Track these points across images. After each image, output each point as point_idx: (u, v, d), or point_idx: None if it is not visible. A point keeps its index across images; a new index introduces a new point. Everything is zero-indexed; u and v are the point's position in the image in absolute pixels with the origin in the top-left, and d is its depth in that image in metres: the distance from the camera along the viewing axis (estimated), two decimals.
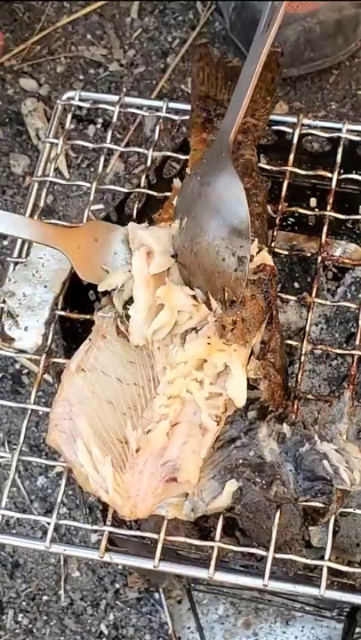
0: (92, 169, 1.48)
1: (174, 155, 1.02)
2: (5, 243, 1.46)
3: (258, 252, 0.89)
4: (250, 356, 0.86)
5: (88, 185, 1.01)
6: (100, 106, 1.06)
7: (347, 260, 0.99)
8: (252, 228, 0.92)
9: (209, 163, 0.90)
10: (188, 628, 1.26)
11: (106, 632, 1.28)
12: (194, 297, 0.87)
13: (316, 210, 1.03)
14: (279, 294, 0.95)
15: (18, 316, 0.93)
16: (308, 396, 0.90)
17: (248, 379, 0.84)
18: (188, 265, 0.89)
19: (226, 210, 0.87)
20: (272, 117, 1.01)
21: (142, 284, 0.88)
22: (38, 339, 0.92)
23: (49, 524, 0.87)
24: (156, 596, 1.28)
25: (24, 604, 1.30)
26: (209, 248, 0.87)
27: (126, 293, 0.90)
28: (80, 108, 1.35)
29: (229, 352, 0.83)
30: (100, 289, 0.92)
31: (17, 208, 1.46)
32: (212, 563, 0.84)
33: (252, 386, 0.85)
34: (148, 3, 1.57)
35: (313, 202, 1.09)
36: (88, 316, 0.92)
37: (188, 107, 1.01)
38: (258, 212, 0.93)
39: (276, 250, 0.96)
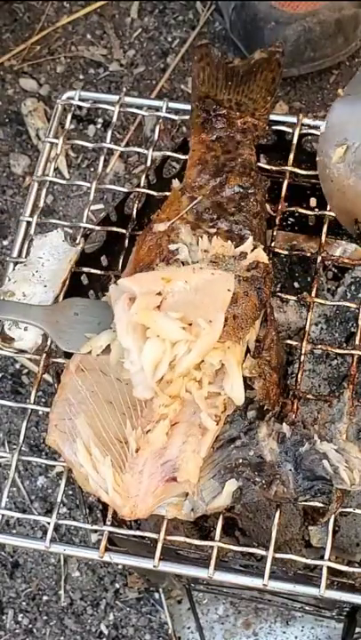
0: (92, 169, 1.48)
1: (174, 155, 1.02)
2: (5, 243, 1.46)
3: (253, 250, 0.89)
4: (246, 354, 0.86)
5: (88, 185, 1.01)
6: (100, 106, 1.06)
7: (347, 260, 0.99)
8: (250, 226, 0.91)
9: None
10: (188, 627, 1.26)
11: (106, 632, 1.28)
12: (186, 327, 0.81)
13: (316, 210, 1.03)
14: (279, 294, 0.95)
15: None
16: (308, 396, 0.91)
17: (244, 377, 0.84)
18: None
19: None
20: (272, 117, 1.01)
21: (125, 329, 0.80)
22: (38, 339, 0.92)
23: (49, 523, 0.87)
24: (156, 595, 1.28)
25: (24, 604, 1.30)
26: None
27: (115, 352, 0.84)
28: (80, 107, 1.35)
29: (223, 349, 0.83)
30: (82, 351, 0.87)
31: (17, 208, 1.46)
32: (212, 562, 0.84)
33: (248, 385, 0.85)
34: (148, 3, 1.57)
35: (313, 202, 1.09)
36: None
37: (188, 107, 1.01)
38: (256, 210, 0.93)
39: (276, 250, 0.96)
